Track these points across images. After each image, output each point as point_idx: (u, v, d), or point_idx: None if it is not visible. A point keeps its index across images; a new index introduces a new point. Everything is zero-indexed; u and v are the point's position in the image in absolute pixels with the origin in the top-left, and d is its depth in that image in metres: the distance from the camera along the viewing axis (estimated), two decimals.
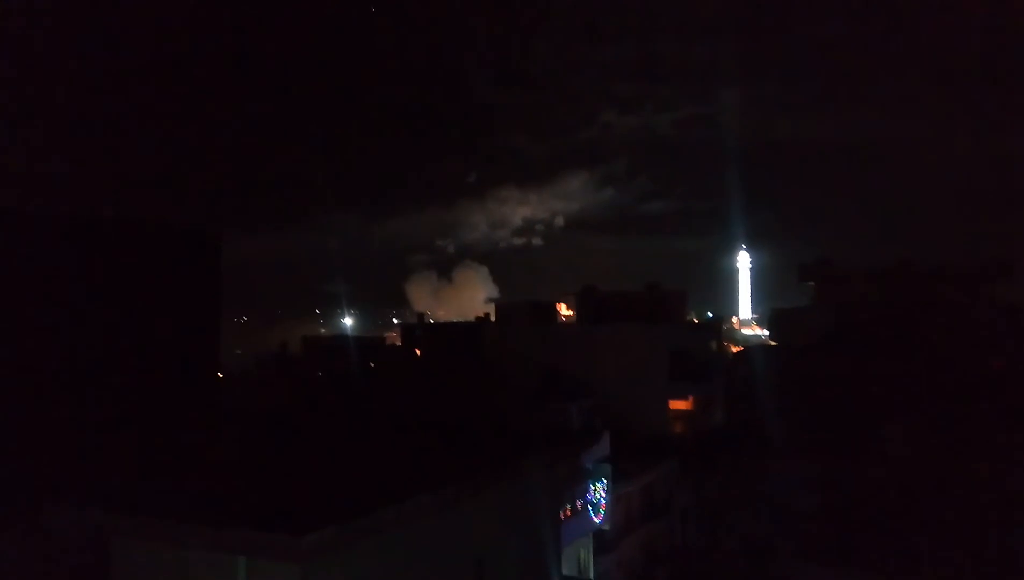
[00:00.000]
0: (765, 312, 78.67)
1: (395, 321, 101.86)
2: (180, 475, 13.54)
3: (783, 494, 24.60)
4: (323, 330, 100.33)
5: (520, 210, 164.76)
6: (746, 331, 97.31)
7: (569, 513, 18.29)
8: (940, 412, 24.19)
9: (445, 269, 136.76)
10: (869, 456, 23.59)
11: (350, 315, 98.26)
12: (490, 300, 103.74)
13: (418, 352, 46.39)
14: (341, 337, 67.92)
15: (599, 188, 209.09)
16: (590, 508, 19.34)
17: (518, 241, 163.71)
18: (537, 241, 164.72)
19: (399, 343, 53.74)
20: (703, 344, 39.27)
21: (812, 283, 42.32)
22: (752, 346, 56.57)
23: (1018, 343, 27.26)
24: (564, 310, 56.16)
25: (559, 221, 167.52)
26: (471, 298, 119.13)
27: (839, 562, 18.09)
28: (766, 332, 48.81)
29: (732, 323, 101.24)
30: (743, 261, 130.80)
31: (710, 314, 79.63)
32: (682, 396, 34.65)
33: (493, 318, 49.51)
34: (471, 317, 76.74)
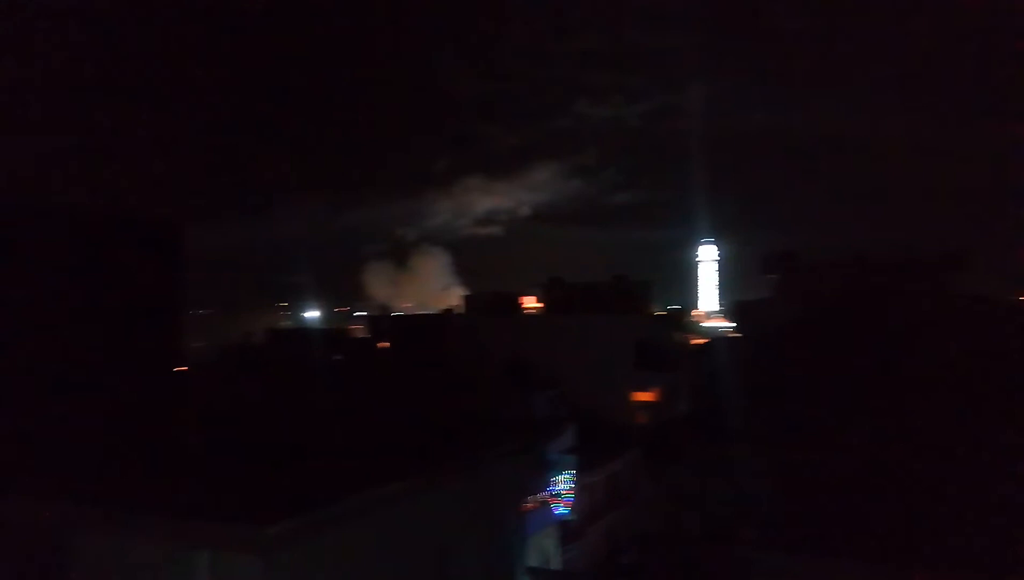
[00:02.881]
0: (731, 304, 79.83)
1: (358, 313, 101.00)
2: (140, 468, 13.29)
3: (746, 482, 25.03)
4: (286, 322, 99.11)
5: (487, 200, 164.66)
6: (712, 323, 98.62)
7: (534, 503, 18.37)
8: (902, 400, 24.79)
9: (408, 258, 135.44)
10: (831, 444, 24.09)
11: (313, 306, 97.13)
12: (447, 288, 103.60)
13: (383, 343, 46.14)
14: (304, 329, 67.23)
15: (567, 179, 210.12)
16: (555, 498, 19.45)
17: (484, 231, 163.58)
18: (504, 231, 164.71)
19: (363, 334, 53.37)
20: (668, 335, 39.70)
21: (775, 275, 43.05)
22: (717, 337, 57.42)
23: (977, 332, 28.02)
24: (531, 301, 56.31)
25: (526, 211, 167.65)
26: (431, 286, 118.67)
27: (800, 548, 18.37)
28: (732, 324, 49.60)
29: (698, 314, 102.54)
30: (710, 253, 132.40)
31: (676, 306, 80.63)
32: (647, 387, 35.01)
33: (459, 309, 49.46)
34: (433, 306, 76.41)
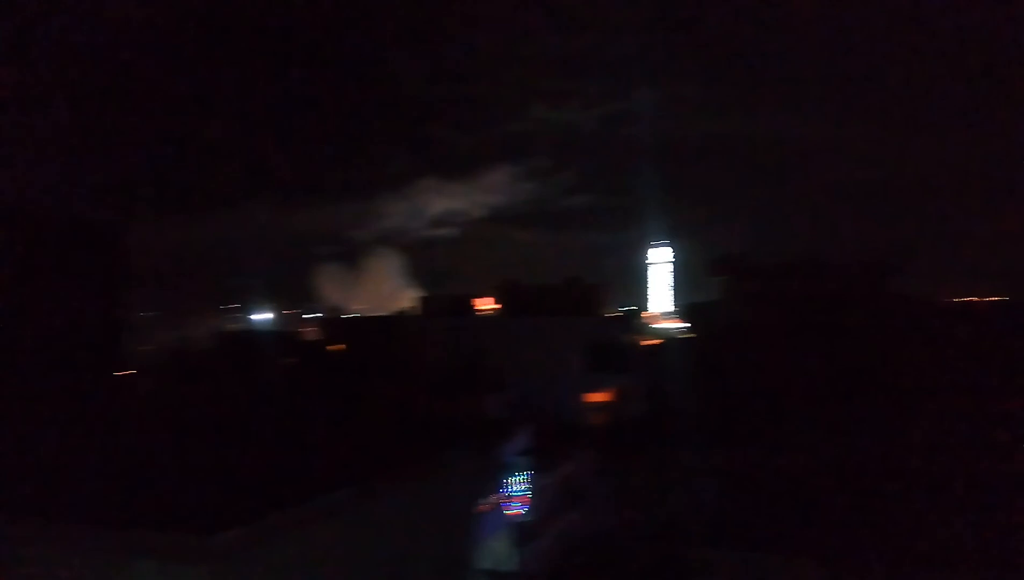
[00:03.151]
0: (684, 305, 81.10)
1: (309, 314, 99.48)
2: (79, 475, 12.85)
3: (698, 481, 25.42)
4: (235, 324, 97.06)
5: (442, 202, 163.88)
6: (666, 324, 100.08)
7: (488, 505, 18.33)
8: (846, 399, 25.52)
9: (361, 260, 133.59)
10: (783, 443, 24.66)
11: (263, 308, 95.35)
12: (401, 290, 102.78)
13: (336, 346, 45.60)
14: (254, 331, 65.99)
15: (523, 181, 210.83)
16: (509, 500, 19.44)
17: (439, 233, 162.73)
18: (459, 233, 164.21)
19: (315, 337, 52.68)
20: (622, 336, 40.12)
21: (725, 277, 43.95)
22: (670, 338, 58.29)
23: (914, 333, 29.06)
24: (486, 303, 56.33)
25: (482, 213, 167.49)
26: (384, 287, 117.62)
27: (754, 547, 18.71)
28: (685, 325, 50.47)
29: (652, 316, 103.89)
30: (663, 255, 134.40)
31: (630, 307, 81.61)
32: (601, 387, 35.30)
33: (414, 310, 49.21)
34: (386, 308, 75.85)
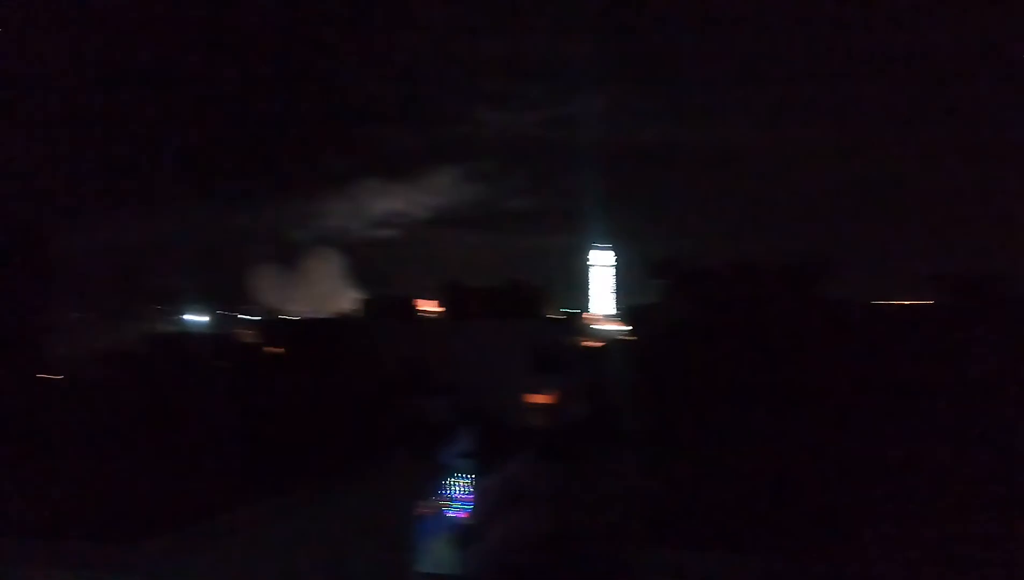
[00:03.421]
0: (625, 308, 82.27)
1: (246, 317, 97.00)
2: (3, 487, 12.22)
3: (638, 480, 25.78)
4: (168, 326, 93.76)
5: (384, 202, 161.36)
6: (608, 326, 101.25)
7: (430, 508, 18.22)
8: (781, 400, 26.21)
9: (299, 261, 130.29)
10: (720, 442, 25.16)
11: (197, 310, 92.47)
12: (341, 292, 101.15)
13: (275, 349, 44.61)
14: (187, 333, 63.99)
15: (467, 183, 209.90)
16: (451, 502, 19.35)
17: (381, 234, 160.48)
18: (401, 234, 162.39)
19: (252, 339, 51.45)
20: (564, 338, 40.44)
21: (664, 280, 44.64)
22: (611, 340, 58.98)
23: (843, 336, 30.09)
24: (429, 305, 56.01)
25: (425, 215, 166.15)
26: (324, 289, 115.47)
27: (689, 544, 19.05)
28: (626, 327, 51.25)
29: (594, 318, 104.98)
30: (605, 258, 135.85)
31: (572, 310, 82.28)
32: (543, 389, 35.50)
33: (355, 313, 48.60)
34: (327, 310, 74.72)
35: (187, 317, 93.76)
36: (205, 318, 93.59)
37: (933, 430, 22.16)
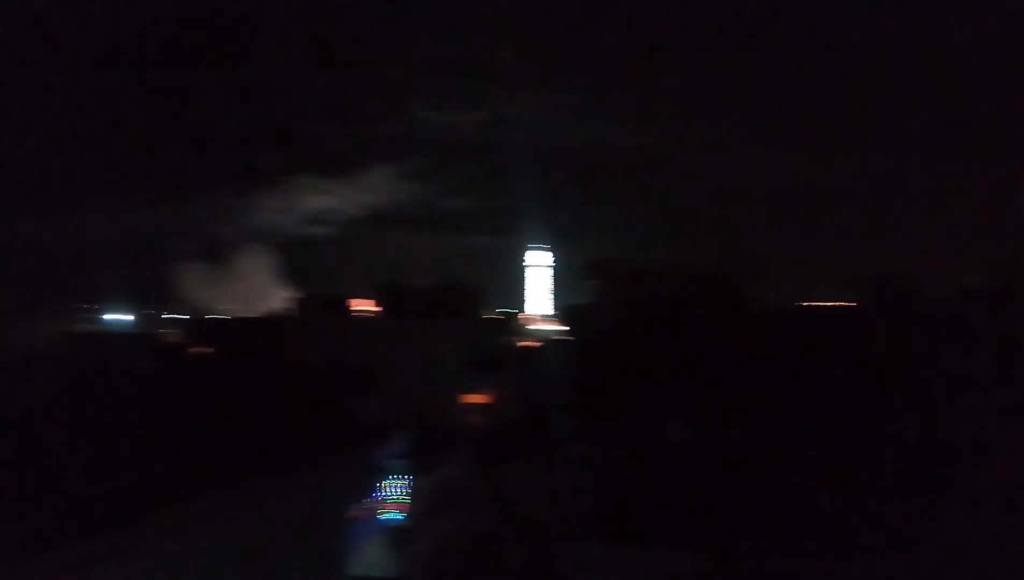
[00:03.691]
0: (561, 307, 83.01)
1: (172, 315, 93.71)
2: None
3: (574, 479, 25.94)
4: (90, 326, 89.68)
5: (318, 199, 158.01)
6: (544, 326, 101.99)
7: (363, 511, 17.88)
8: (712, 400, 26.82)
9: (229, 258, 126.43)
10: (654, 440, 25.57)
11: (121, 309, 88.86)
12: (272, 290, 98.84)
13: (202, 349, 43.18)
14: (110, 333, 61.37)
15: (403, 182, 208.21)
16: (385, 505, 19.03)
17: (314, 231, 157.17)
18: (335, 232, 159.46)
19: (178, 339, 49.73)
20: (501, 338, 40.47)
21: (599, 281, 45.26)
22: (548, 340, 59.41)
23: (768, 336, 31.08)
24: (363, 304, 55.26)
25: (360, 212, 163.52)
26: (254, 287, 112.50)
27: (625, 542, 19.28)
28: (562, 327, 51.67)
29: (530, 318, 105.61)
30: (542, 259, 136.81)
31: (509, 309, 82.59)
32: (480, 389, 35.39)
33: (287, 311, 47.50)
34: (257, 308, 72.98)
35: (108, 317, 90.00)
36: (128, 318, 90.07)
37: (856, 427, 23.10)
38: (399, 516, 20.99)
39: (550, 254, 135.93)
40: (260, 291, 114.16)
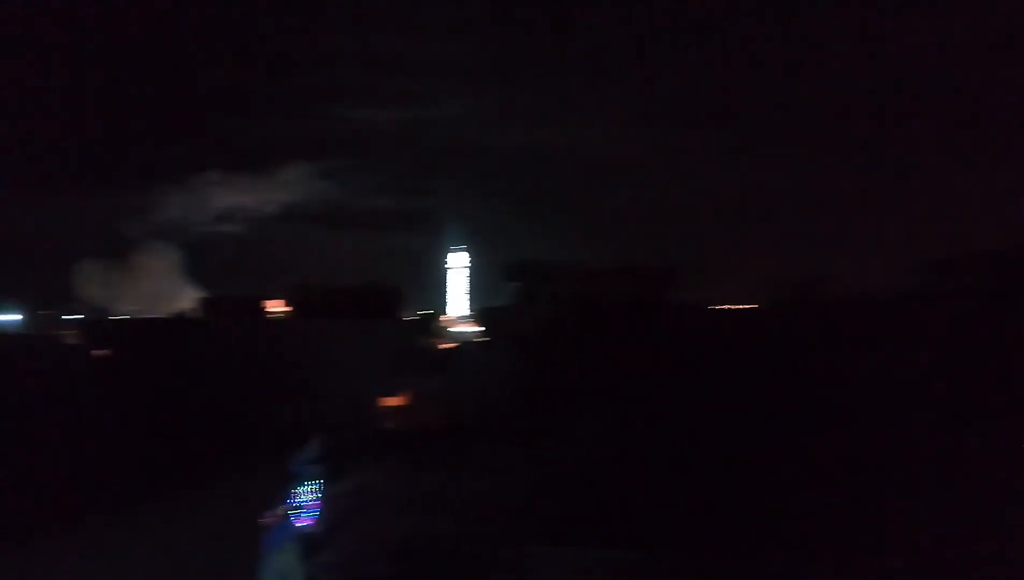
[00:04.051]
0: (480, 309, 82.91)
1: (70, 316, 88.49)
2: None
3: (496, 480, 25.87)
4: None
5: (228, 196, 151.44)
6: (461, 328, 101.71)
7: (276, 518, 17.23)
8: (634, 399, 27.29)
9: (132, 256, 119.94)
10: (575, 440, 25.77)
11: (13, 309, 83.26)
12: (178, 290, 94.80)
13: (101, 351, 40.90)
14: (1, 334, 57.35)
15: (320, 180, 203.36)
16: (300, 511, 18.41)
17: (225, 229, 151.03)
18: (246, 230, 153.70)
19: (77, 341, 46.97)
20: (421, 340, 40.05)
21: (519, 282, 45.51)
22: (467, 341, 59.23)
23: (697, 339, 31.94)
24: (276, 306, 53.70)
25: (272, 210, 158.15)
26: (159, 287, 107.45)
27: (552, 541, 19.28)
28: (483, 329, 51.69)
29: (451, 320, 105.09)
30: (459, 260, 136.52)
31: (429, 311, 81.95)
32: (399, 391, 34.96)
33: (194, 312, 45.64)
34: (162, 309, 69.96)
35: (2, 316, 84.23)
36: (17, 318, 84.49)
37: (777, 424, 24.00)
38: (311, 523, 20.39)
39: (470, 255, 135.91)
40: (166, 291, 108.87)
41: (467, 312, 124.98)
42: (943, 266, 22.61)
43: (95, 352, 41.92)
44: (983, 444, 18.60)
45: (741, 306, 46.60)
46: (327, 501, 19.52)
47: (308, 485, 19.47)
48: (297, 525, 19.01)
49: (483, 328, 50.29)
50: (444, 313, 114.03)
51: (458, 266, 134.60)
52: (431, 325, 54.54)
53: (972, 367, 21.08)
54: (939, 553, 14.84)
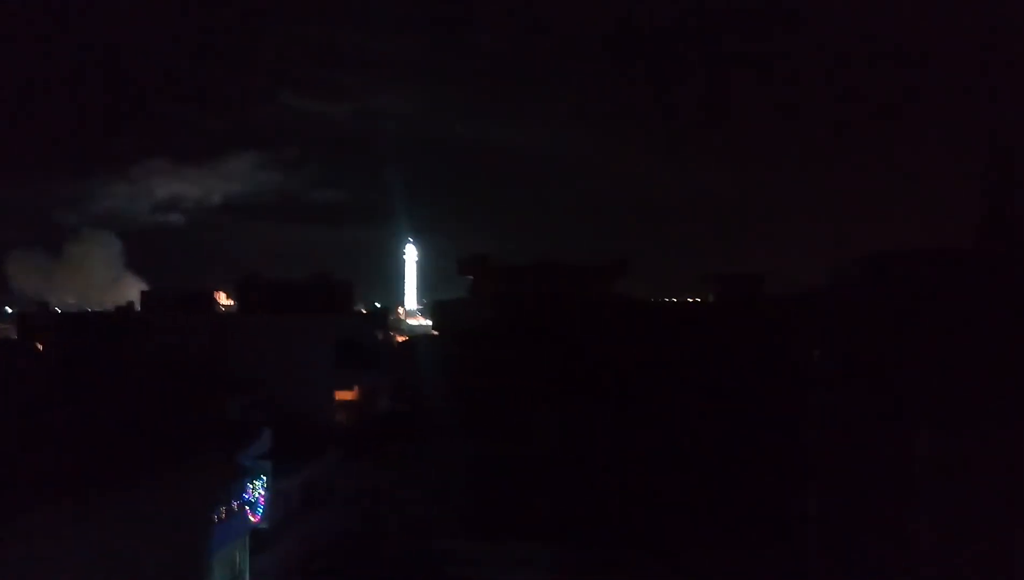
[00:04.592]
0: (431, 303, 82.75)
1: (3, 309, 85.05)
2: None
3: (442, 474, 26.05)
4: None
5: (171, 185, 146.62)
6: (412, 321, 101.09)
7: (224, 515, 17.13)
8: (579, 394, 27.66)
9: (68, 246, 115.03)
10: (523, 436, 26.05)
11: None
12: (118, 281, 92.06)
13: (38, 345, 39.62)
14: None
15: (267, 171, 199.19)
16: (247, 508, 18.33)
17: (166, 219, 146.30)
18: (189, 221, 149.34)
19: (11, 335, 45.41)
20: (370, 334, 39.79)
21: (470, 276, 45.59)
22: (417, 335, 59.05)
23: (636, 332, 32.52)
24: (224, 299, 52.56)
25: (217, 201, 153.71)
26: (98, 278, 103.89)
27: (493, 536, 19.59)
28: (434, 322, 51.66)
29: (399, 313, 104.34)
30: (410, 253, 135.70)
31: (378, 304, 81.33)
32: (349, 385, 34.74)
33: (134, 305, 44.52)
34: (101, 301, 67.96)
35: None
36: None
37: (717, 416, 24.57)
38: (259, 519, 20.30)
39: (421, 249, 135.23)
40: (105, 282, 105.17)
41: (419, 305, 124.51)
42: (873, 263, 23.69)
43: (27, 345, 40.72)
44: (912, 432, 19.53)
45: (688, 299, 47.69)
46: (274, 496, 19.44)
47: (256, 480, 19.38)
48: (246, 521, 18.91)
49: (434, 321, 50.25)
50: (398, 306, 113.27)
51: (411, 259, 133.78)
52: (383, 318, 54.18)
53: (901, 357, 22.05)
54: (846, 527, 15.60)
